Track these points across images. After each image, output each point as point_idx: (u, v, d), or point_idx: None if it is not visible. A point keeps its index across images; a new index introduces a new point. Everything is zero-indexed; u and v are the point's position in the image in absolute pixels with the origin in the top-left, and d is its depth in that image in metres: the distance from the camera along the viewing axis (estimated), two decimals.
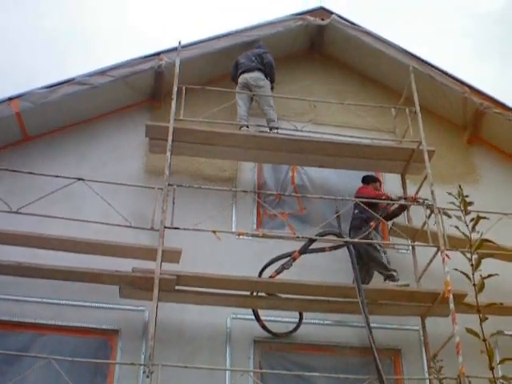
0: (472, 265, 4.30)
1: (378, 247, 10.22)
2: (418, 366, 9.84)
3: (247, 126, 11.36)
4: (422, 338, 10.02)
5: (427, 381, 9.49)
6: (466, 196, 4.54)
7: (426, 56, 12.72)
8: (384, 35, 12.84)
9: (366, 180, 11.11)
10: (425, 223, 10.13)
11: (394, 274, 10.17)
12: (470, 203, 4.52)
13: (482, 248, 4.43)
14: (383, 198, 10.62)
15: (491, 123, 12.63)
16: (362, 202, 10.25)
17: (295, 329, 9.81)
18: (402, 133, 11.72)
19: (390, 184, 11.87)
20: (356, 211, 10.44)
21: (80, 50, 35.34)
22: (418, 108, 11.17)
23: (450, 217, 9.63)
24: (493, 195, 12.00)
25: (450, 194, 4.82)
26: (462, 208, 4.52)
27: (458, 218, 4.55)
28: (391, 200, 10.61)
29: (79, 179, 9.58)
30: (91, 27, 36.76)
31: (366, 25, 12.88)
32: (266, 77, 11.95)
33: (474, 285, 4.33)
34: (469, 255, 4.49)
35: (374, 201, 10.42)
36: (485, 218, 4.55)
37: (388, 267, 10.19)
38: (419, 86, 11.60)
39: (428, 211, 10.15)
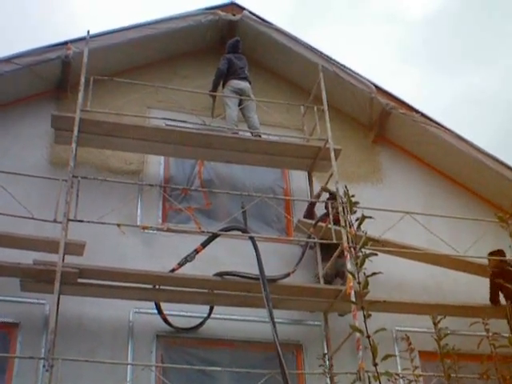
0: (357, 263, 4.38)
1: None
2: (319, 360, 9.97)
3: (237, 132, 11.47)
4: (324, 333, 10.17)
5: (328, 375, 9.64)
6: (353, 196, 4.62)
7: (349, 60, 12.95)
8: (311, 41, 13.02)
9: None
10: (328, 220, 10.28)
11: None
12: (356, 203, 4.60)
13: (367, 246, 4.51)
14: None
15: (396, 123, 12.89)
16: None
17: (200, 324, 9.82)
18: (310, 130, 11.87)
19: (297, 181, 12.01)
20: None
21: None
22: (325, 107, 11.31)
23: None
24: (396, 194, 12.28)
25: (345, 187, 4.89)
26: (348, 207, 4.60)
27: (343, 216, 4.66)
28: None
29: None
30: None
31: (294, 30, 13.04)
32: None
33: (359, 283, 4.41)
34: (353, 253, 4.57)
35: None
36: (370, 217, 4.63)
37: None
38: (328, 84, 11.77)
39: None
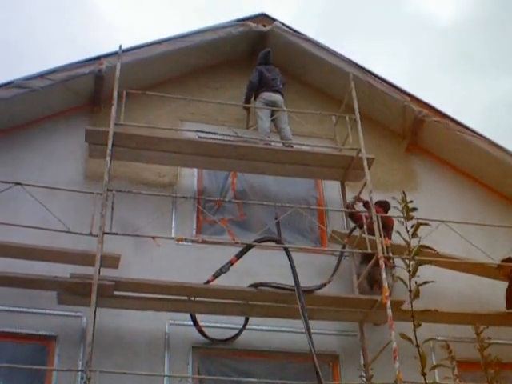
0: (409, 271, 4.35)
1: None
2: (355, 371, 9.90)
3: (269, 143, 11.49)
4: (360, 344, 10.11)
5: None
6: (410, 201, 4.58)
7: (380, 71, 12.94)
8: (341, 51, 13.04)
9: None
10: (363, 230, 10.23)
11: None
12: (414, 209, 4.55)
13: (420, 254, 4.48)
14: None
15: (430, 131, 12.82)
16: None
17: (236, 335, 9.82)
18: (342, 140, 11.84)
19: (330, 191, 11.98)
20: None
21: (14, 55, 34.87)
22: (358, 116, 11.26)
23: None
24: (431, 202, 12.16)
25: (394, 198, 4.85)
26: (405, 214, 4.56)
27: (401, 223, 4.58)
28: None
29: (17, 183, 9.44)
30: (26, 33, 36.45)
31: (324, 41, 13.07)
32: None
33: (410, 291, 4.38)
34: (406, 262, 4.53)
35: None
36: (426, 224, 4.60)
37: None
38: (359, 93, 11.74)
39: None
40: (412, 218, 4.57)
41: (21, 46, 35.35)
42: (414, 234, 4.53)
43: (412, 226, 4.56)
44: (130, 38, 40.67)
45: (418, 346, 4.30)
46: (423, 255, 4.65)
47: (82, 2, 38.85)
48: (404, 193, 4.76)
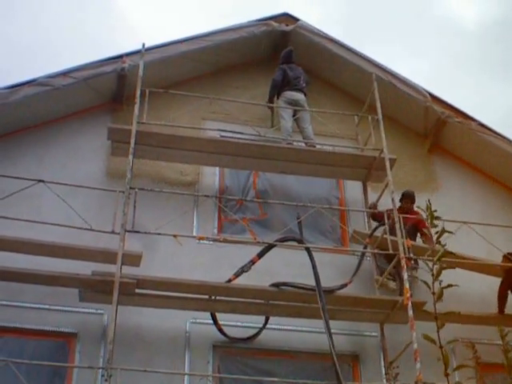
0: (433, 274, 4.37)
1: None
2: (376, 372, 9.90)
3: (292, 143, 11.49)
4: (381, 344, 10.09)
5: None
6: (435, 211, 4.62)
7: (402, 72, 12.92)
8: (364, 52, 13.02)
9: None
10: (385, 231, 10.20)
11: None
12: (438, 218, 4.59)
13: (444, 258, 4.51)
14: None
15: (452, 132, 12.77)
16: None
17: (256, 334, 9.82)
18: (364, 140, 11.81)
19: (352, 191, 11.95)
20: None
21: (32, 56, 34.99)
22: (380, 116, 11.24)
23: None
24: (453, 204, 12.12)
25: (418, 207, 4.92)
26: (429, 221, 4.61)
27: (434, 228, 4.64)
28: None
29: (40, 181, 9.49)
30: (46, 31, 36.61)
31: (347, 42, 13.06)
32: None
33: (433, 293, 4.39)
34: (430, 264, 4.56)
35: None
36: (450, 232, 4.63)
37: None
38: (382, 94, 11.69)
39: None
40: (436, 226, 4.61)
41: (40, 50, 35.53)
42: (438, 241, 4.58)
43: (436, 233, 4.61)
44: (152, 41, 40.65)
45: (441, 347, 4.30)
46: (447, 260, 4.69)
47: (102, 4, 38.97)
48: (429, 201, 4.80)
